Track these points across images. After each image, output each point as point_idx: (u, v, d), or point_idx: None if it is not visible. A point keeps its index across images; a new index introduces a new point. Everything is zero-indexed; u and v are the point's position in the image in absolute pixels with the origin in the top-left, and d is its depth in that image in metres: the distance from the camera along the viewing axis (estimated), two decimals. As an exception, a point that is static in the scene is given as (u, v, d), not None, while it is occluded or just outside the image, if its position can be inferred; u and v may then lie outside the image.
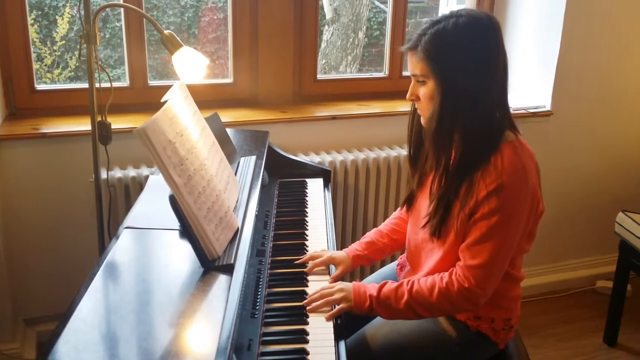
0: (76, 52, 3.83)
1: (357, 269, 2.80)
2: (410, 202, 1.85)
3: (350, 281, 2.72)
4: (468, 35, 1.55)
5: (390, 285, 1.65)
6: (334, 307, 1.62)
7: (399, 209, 1.98)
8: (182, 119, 1.63)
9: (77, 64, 3.86)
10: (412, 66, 1.62)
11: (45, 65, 3.87)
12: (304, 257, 1.86)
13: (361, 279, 2.57)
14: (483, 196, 1.56)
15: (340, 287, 1.67)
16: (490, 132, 1.59)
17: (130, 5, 2.13)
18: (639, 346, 2.90)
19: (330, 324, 1.59)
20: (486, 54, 1.57)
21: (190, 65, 2.04)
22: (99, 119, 2.12)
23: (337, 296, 1.64)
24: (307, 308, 1.61)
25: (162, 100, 1.64)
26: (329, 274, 1.83)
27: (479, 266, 1.58)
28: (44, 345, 1.20)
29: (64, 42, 3.86)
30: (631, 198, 3.32)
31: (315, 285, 1.76)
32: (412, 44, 1.60)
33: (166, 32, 1.99)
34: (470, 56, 1.55)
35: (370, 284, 1.67)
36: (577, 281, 3.36)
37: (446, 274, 1.63)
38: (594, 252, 3.40)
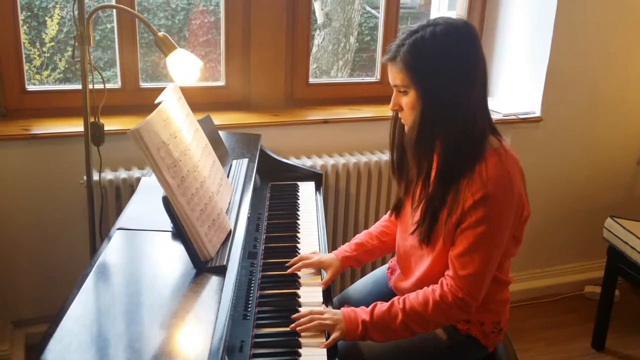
0: (66, 54, 3.82)
1: (348, 271, 2.81)
2: (398, 209, 1.86)
3: (341, 282, 2.76)
4: (446, 44, 1.55)
5: (382, 306, 1.63)
6: (326, 333, 1.57)
7: (389, 212, 1.98)
8: (176, 120, 1.63)
9: (67, 66, 3.85)
10: (393, 77, 1.62)
11: (34, 66, 3.85)
12: (294, 260, 1.86)
13: (352, 281, 2.58)
14: (469, 205, 1.57)
15: (330, 313, 1.61)
16: (472, 138, 1.60)
17: (124, 7, 2.12)
18: (626, 351, 2.92)
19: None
20: (465, 62, 1.57)
21: (184, 68, 2.04)
22: (91, 120, 2.11)
23: (328, 321, 1.58)
24: (298, 328, 1.55)
25: (156, 102, 1.64)
26: (321, 278, 1.83)
27: (470, 276, 1.59)
28: (36, 346, 1.20)
29: (53, 43, 3.85)
30: (620, 204, 3.35)
31: (307, 287, 1.77)
32: (391, 54, 1.61)
33: (160, 33, 1.99)
34: (449, 64, 1.56)
35: (359, 308, 1.64)
36: (566, 286, 3.38)
37: (437, 287, 1.63)
38: (583, 258, 3.42)
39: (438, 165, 1.64)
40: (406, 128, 1.67)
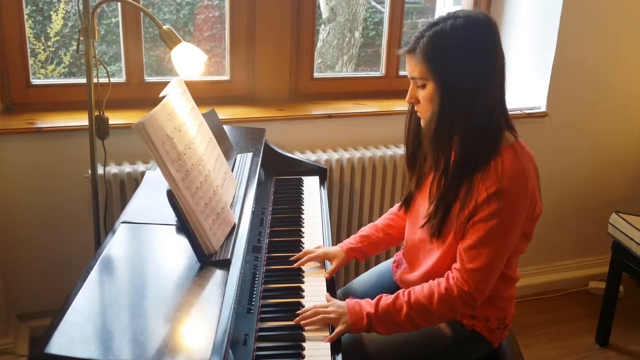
0: (70, 48, 3.82)
1: (352, 265, 2.81)
2: (408, 203, 1.85)
3: (345, 276, 2.76)
4: (466, 37, 1.55)
5: (386, 299, 1.63)
6: (330, 327, 1.57)
7: (395, 205, 1.98)
8: (180, 114, 1.63)
9: (71, 60, 3.85)
10: (411, 69, 1.62)
11: (39, 61, 3.85)
12: (299, 254, 1.86)
13: (356, 275, 2.57)
14: (483, 199, 1.56)
15: (335, 307, 1.61)
16: (489, 132, 1.60)
17: (129, 0, 2.12)
18: (630, 346, 2.92)
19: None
20: (484, 55, 1.57)
21: (189, 61, 2.03)
22: (96, 113, 2.11)
23: (332, 315, 1.58)
24: (302, 322, 1.55)
25: (160, 95, 1.64)
26: (325, 269, 1.83)
27: (477, 269, 1.58)
28: (40, 339, 1.20)
29: (58, 37, 3.85)
30: (625, 199, 3.34)
31: (311, 281, 1.77)
32: (410, 46, 1.60)
33: (165, 27, 1.99)
34: (468, 57, 1.55)
35: (363, 300, 1.64)
36: (570, 282, 3.38)
37: (443, 280, 1.63)
38: (587, 253, 3.42)
39: (455, 158, 1.63)
40: (422, 121, 1.66)
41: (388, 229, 1.96)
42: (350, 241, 1.94)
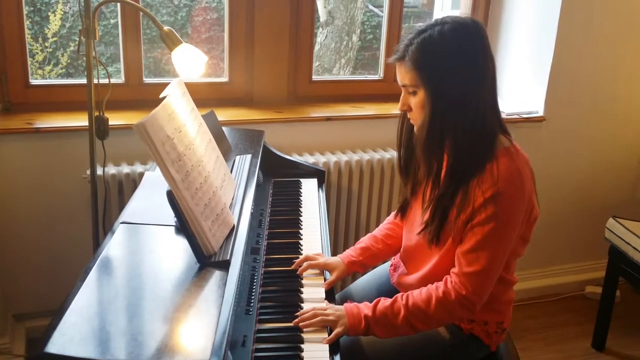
0: (68, 49, 3.82)
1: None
2: (404, 210, 1.85)
3: (343, 280, 2.75)
4: (454, 42, 1.56)
5: (384, 302, 1.63)
6: (329, 329, 1.57)
7: (392, 214, 1.97)
8: (181, 115, 1.63)
9: (69, 61, 3.85)
10: (401, 77, 1.62)
11: (37, 61, 3.84)
12: (300, 259, 1.85)
13: (354, 279, 2.58)
14: (480, 203, 1.56)
15: (333, 309, 1.61)
16: (483, 137, 1.60)
17: (130, 1, 2.12)
18: (626, 351, 2.92)
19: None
20: (474, 60, 1.57)
21: (190, 62, 2.03)
22: (96, 114, 2.11)
23: (331, 317, 1.58)
24: (301, 324, 1.55)
25: (161, 96, 1.64)
26: (324, 278, 1.82)
27: (475, 273, 1.58)
28: (37, 340, 1.20)
29: (55, 38, 3.84)
30: (622, 204, 3.34)
31: (310, 283, 1.77)
32: (399, 54, 1.60)
33: (165, 28, 1.99)
34: (458, 62, 1.56)
35: (362, 304, 1.64)
36: (567, 286, 3.38)
37: (441, 284, 1.63)
38: (584, 258, 3.42)
39: (448, 164, 1.63)
40: (415, 128, 1.66)
41: (387, 239, 1.95)
42: (351, 254, 1.92)
